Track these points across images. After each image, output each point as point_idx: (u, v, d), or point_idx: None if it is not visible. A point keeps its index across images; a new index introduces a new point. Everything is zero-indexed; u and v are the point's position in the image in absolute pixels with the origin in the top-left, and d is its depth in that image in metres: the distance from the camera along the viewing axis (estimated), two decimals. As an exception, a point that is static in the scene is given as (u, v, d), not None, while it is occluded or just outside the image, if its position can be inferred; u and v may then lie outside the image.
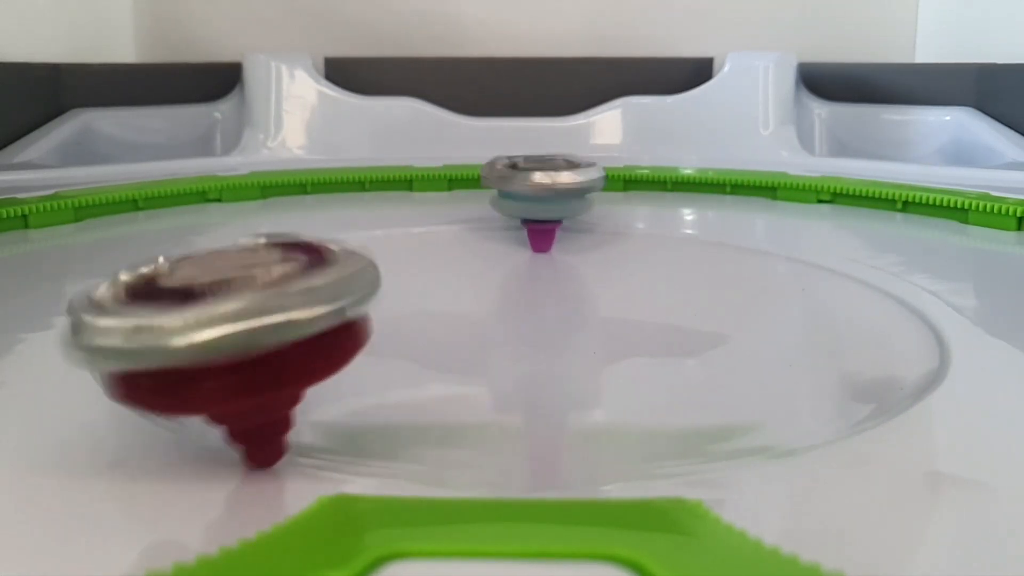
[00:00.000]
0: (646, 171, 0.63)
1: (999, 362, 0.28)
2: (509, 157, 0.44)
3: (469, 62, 0.74)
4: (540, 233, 0.43)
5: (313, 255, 0.19)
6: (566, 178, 0.41)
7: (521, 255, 0.44)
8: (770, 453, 0.22)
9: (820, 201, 0.57)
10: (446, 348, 0.31)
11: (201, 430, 0.23)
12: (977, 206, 0.49)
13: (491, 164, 0.43)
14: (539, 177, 0.41)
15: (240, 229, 0.52)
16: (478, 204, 0.58)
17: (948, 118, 0.65)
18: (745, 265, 0.43)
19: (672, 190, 0.62)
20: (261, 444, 0.19)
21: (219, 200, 0.57)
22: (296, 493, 0.19)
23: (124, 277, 0.19)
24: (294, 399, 0.20)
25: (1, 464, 0.20)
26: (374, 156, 0.66)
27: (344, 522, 0.16)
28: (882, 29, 0.78)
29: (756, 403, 0.26)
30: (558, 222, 0.43)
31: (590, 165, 0.42)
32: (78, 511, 0.18)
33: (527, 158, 0.43)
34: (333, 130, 0.69)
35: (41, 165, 0.59)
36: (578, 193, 0.42)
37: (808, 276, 0.40)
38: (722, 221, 0.54)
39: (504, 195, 0.43)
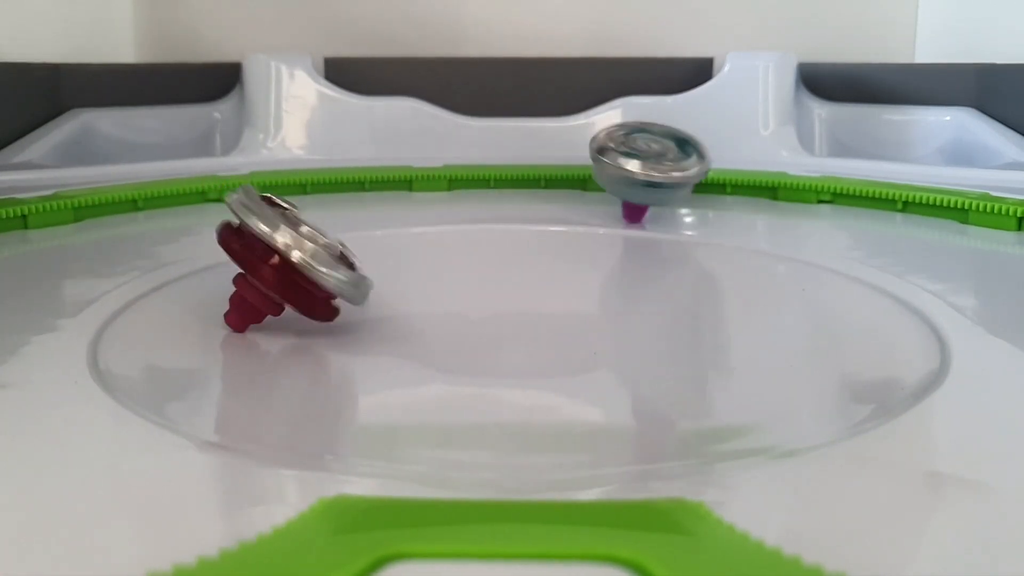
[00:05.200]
0: (646, 171, 0.63)
1: (1000, 362, 0.28)
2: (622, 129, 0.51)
3: (469, 62, 0.74)
4: (635, 208, 0.50)
5: None
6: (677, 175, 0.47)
7: (519, 258, 0.44)
8: (771, 453, 0.22)
9: (820, 201, 0.57)
10: (445, 348, 0.31)
11: (201, 430, 0.23)
12: (977, 206, 0.49)
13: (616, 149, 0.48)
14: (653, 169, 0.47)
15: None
16: (478, 204, 0.59)
17: (948, 118, 0.65)
18: (745, 265, 0.43)
19: (672, 190, 0.62)
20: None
21: (219, 200, 0.57)
22: (296, 494, 0.19)
23: None
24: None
25: (2, 464, 0.20)
26: (374, 156, 0.66)
27: (344, 523, 0.16)
28: (882, 29, 0.78)
29: (757, 403, 0.26)
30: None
31: (699, 158, 0.48)
32: (79, 511, 0.18)
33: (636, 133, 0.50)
34: (333, 130, 0.69)
35: (41, 165, 0.59)
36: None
37: (808, 276, 0.40)
38: (722, 221, 0.54)
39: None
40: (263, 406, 0.26)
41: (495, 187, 0.63)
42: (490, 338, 0.33)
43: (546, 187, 0.63)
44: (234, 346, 0.31)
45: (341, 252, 0.30)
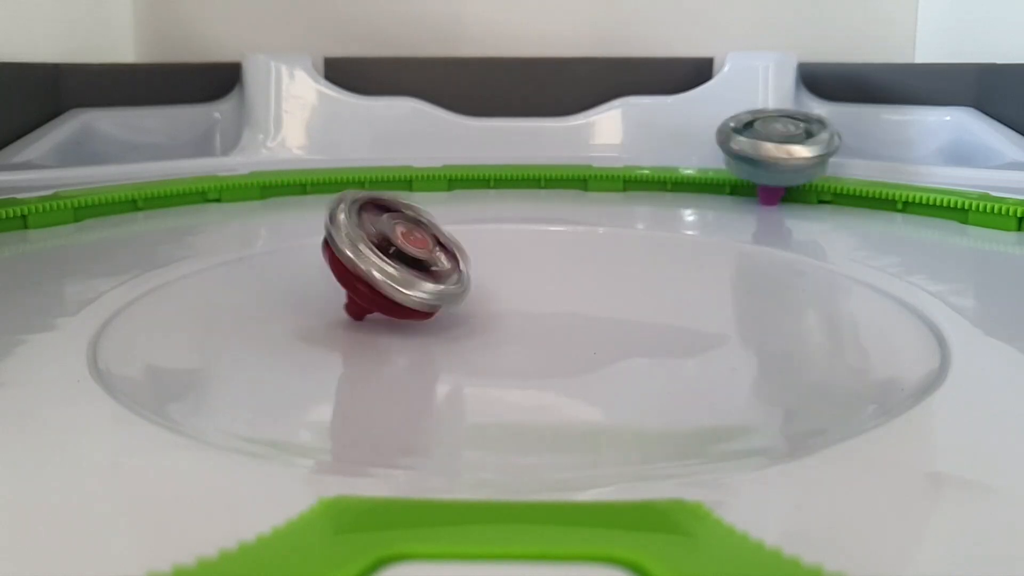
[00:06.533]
0: (646, 171, 0.63)
1: (999, 362, 0.28)
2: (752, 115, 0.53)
3: (469, 62, 0.74)
4: (772, 191, 0.55)
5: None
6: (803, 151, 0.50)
7: (519, 258, 0.44)
8: (771, 454, 0.22)
9: (820, 201, 0.57)
10: (445, 348, 0.31)
11: (201, 430, 0.23)
12: (977, 206, 0.49)
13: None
14: (798, 151, 0.50)
15: (240, 229, 0.52)
16: (478, 204, 0.59)
17: (948, 118, 0.65)
18: (745, 265, 0.43)
19: (672, 190, 0.62)
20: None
21: (219, 200, 0.57)
22: (296, 494, 0.19)
23: None
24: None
25: (1, 464, 0.20)
26: (374, 156, 0.66)
27: (344, 523, 0.16)
28: (882, 29, 0.78)
29: (756, 404, 0.26)
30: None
31: (818, 131, 0.51)
32: (79, 511, 0.18)
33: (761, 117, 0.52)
34: (333, 130, 0.69)
35: (41, 165, 0.59)
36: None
37: (808, 276, 0.40)
38: (721, 221, 0.54)
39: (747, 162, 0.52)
40: (263, 406, 0.26)
41: (495, 187, 0.63)
42: (489, 338, 0.33)
43: (546, 187, 0.63)
44: (234, 346, 0.31)
45: (433, 253, 0.31)
